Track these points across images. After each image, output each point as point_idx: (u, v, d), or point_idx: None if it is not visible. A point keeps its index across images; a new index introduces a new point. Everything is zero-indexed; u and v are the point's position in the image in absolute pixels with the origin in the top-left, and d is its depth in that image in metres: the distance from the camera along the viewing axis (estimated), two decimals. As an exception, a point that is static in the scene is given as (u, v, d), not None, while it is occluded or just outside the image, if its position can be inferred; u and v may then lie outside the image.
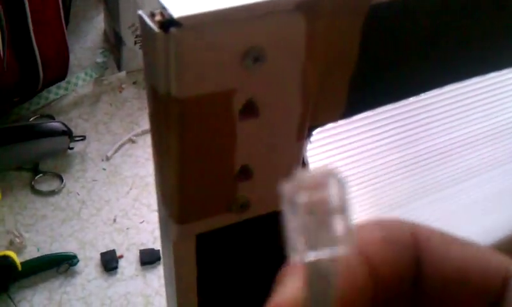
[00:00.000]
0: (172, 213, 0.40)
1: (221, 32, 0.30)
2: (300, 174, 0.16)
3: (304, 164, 0.44)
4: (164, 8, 0.29)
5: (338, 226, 0.15)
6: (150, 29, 0.29)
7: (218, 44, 0.31)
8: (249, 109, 0.35)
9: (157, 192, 0.41)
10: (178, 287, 0.46)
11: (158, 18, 0.29)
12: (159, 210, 0.43)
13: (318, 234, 0.15)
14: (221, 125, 0.35)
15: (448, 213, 0.69)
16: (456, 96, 0.58)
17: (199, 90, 0.32)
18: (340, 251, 0.15)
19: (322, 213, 0.15)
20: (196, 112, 0.34)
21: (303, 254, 0.15)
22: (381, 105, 0.45)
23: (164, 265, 0.48)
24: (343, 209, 0.15)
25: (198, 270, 0.46)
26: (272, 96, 0.35)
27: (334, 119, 0.42)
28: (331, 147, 0.49)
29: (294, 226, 0.15)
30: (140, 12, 0.29)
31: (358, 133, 0.50)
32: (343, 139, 0.50)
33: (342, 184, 0.15)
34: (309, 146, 0.43)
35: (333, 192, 0.15)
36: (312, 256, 0.15)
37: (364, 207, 0.60)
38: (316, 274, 0.16)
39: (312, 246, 0.15)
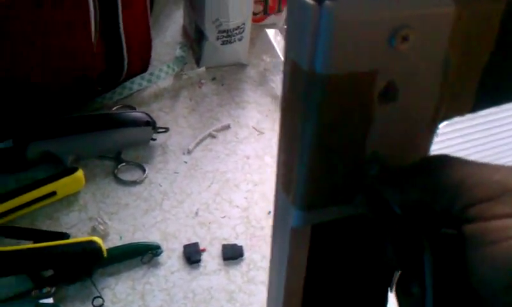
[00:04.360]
0: (295, 199, 0.38)
1: (374, 8, 0.29)
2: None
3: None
4: None
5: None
6: (302, 0, 0.28)
7: (369, 20, 0.30)
8: (389, 92, 0.34)
9: (278, 178, 0.40)
10: (288, 276, 0.45)
11: None
12: (277, 197, 0.42)
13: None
14: (360, 106, 0.34)
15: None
16: None
17: (345, 68, 0.31)
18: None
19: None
20: (338, 91, 0.33)
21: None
22: (508, 101, 0.43)
23: (272, 254, 0.47)
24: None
25: (308, 261, 0.45)
26: (413, 81, 0.34)
27: (463, 112, 0.41)
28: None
29: None
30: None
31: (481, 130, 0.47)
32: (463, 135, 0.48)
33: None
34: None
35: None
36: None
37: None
38: None
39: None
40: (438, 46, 0.33)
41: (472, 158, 0.56)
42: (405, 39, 0.31)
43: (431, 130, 0.38)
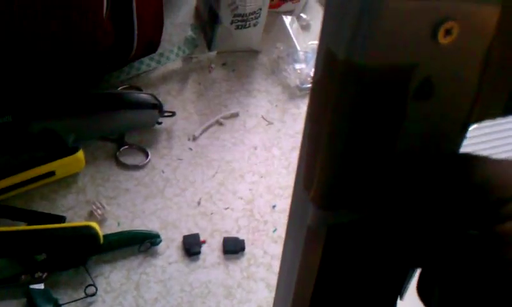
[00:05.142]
0: (315, 196, 0.36)
1: None
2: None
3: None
4: None
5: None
6: None
7: (415, 9, 0.28)
8: (424, 89, 0.32)
9: (298, 172, 0.38)
10: (299, 276, 0.43)
11: None
12: (296, 193, 0.39)
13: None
14: (394, 101, 0.32)
15: None
16: None
17: (383, 59, 0.29)
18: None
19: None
20: (374, 84, 0.30)
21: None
22: None
23: (284, 252, 0.45)
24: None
25: (320, 264, 0.43)
26: (449, 79, 0.32)
27: (494, 115, 0.38)
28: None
29: None
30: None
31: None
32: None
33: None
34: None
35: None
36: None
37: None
38: None
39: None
40: (479, 44, 0.31)
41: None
42: (448, 32, 0.30)
43: (462, 132, 0.36)
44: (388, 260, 0.45)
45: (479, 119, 0.38)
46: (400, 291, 0.52)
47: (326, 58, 0.32)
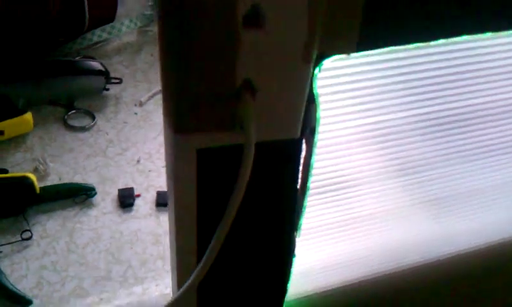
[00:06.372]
0: (171, 122, 0.39)
1: None
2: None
3: (312, 95, 0.42)
4: None
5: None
6: None
7: None
8: (254, 17, 0.34)
9: (163, 108, 0.41)
10: (177, 205, 0.45)
11: None
12: (165, 129, 0.42)
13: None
14: (224, 27, 0.34)
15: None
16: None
17: None
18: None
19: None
20: (200, 10, 0.33)
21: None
22: (395, 43, 0.43)
23: (167, 188, 0.47)
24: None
25: (199, 192, 0.45)
26: (279, 8, 0.34)
27: (346, 50, 0.41)
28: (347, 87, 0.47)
29: None
30: None
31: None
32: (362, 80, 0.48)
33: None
34: (321, 78, 0.42)
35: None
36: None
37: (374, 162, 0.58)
38: None
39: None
40: None
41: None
42: None
43: (307, 61, 0.38)
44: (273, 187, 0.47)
45: (328, 54, 0.41)
46: (294, 227, 0.55)
47: None
